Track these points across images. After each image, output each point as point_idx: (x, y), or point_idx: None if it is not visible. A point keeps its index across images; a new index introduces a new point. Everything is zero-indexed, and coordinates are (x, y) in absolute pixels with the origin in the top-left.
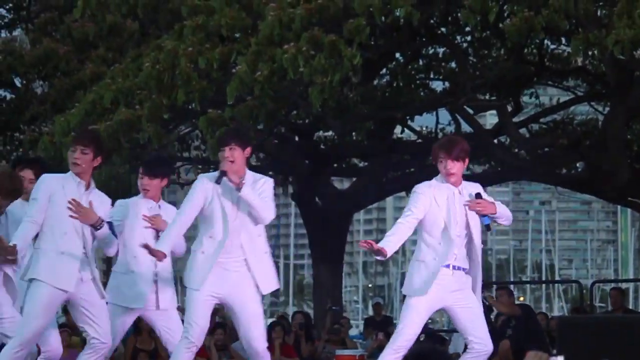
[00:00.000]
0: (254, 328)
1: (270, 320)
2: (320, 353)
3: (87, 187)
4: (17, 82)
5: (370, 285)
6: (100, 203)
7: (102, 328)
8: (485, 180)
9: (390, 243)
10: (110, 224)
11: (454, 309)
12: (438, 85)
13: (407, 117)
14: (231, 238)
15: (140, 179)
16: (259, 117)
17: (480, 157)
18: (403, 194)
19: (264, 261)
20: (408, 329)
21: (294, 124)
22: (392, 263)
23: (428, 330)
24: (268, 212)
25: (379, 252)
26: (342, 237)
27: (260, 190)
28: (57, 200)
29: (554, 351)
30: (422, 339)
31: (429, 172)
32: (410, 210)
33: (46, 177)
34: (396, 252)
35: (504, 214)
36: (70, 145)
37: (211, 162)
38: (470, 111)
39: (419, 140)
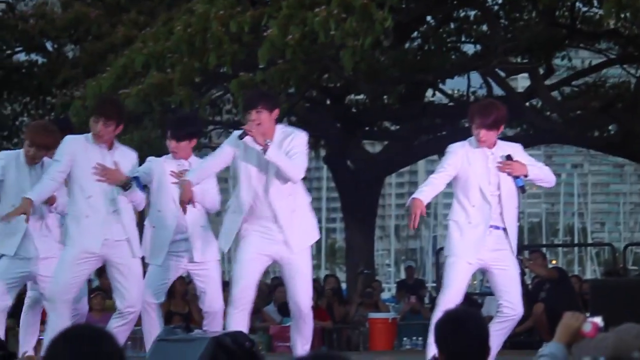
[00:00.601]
0: (297, 285)
1: None
2: (353, 316)
3: (110, 147)
4: (49, 46)
5: (402, 249)
6: (124, 158)
7: (130, 293)
8: (517, 143)
9: (424, 192)
10: (136, 178)
11: (491, 270)
12: (469, 48)
13: (439, 80)
14: (259, 198)
15: (168, 143)
16: (291, 81)
17: (512, 120)
18: (435, 157)
19: (296, 219)
20: (450, 289)
21: (325, 87)
22: (424, 226)
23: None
24: (295, 171)
25: (417, 205)
26: (374, 201)
27: (291, 146)
28: (80, 162)
29: (588, 314)
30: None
31: (461, 135)
32: (442, 167)
33: (68, 139)
34: (428, 215)
35: (540, 176)
36: (93, 114)
37: (242, 125)
38: (502, 74)
39: (451, 104)
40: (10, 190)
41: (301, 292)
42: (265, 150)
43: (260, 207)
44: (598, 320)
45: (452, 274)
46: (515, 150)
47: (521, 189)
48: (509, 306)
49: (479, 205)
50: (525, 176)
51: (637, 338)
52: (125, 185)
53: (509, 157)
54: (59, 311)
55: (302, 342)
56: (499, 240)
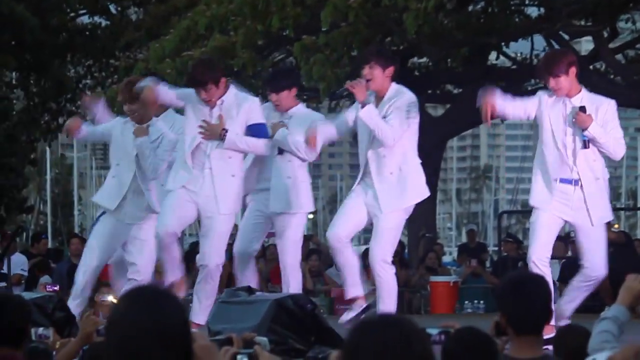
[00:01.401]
0: (374, 242)
1: (363, 248)
2: (415, 280)
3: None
4: (112, 8)
5: (464, 212)
6: (231, 110)
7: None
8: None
9: (504, 103)
10: (261, 125)
11: (575, 226)
12: (533, 11)
13: (502, 43)
14: (364, 155)
15: (269, 97)
16: (354, 44)
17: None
18: (497, 120)
19: (387, 182)
20: (536, 241)
21: (388, 50)
22: (486, 190)
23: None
24: (384, 134)
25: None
26: (436, 164)
27: (392, 109)
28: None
29: None
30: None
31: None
32: (523, 100)
33: (187, 92)
34: (489, 179)
35: (602, 140)
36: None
37: (305, 88)
38: (566, 37)
39: (514, 67)
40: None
41: (374, 249)
42: (363, 105)
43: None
44: None
45: (536, 226)
46: (600, 104)
47: (583, 144)
48: (589, 267)
49: (555, 155)
50: (586, 129)
51: None
52: (221, 137)
53: (582, 109)
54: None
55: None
56: (577, 196)
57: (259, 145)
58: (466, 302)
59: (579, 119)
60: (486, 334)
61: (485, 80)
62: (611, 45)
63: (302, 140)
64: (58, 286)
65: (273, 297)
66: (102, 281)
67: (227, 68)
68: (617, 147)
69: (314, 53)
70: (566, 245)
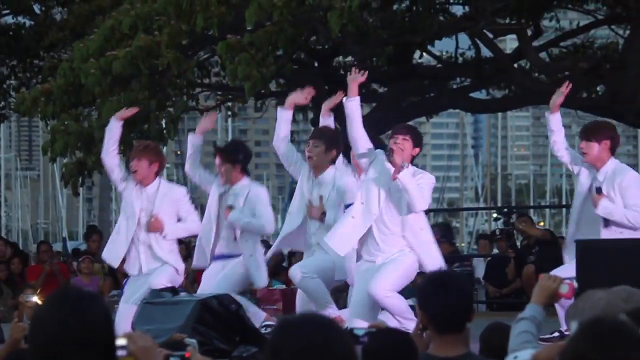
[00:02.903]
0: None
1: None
2: None
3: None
4: (36, 8)
5: None
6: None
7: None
8: (505, 104)
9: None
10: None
11: None
12: (458, 10)
13: (427, 42)
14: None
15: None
16: (278, 43)
17: (500, 81)
18: (423, 119)
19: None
20: None
21: (313, 49)
22: None
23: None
24: (420, 201)
25: None
26: None
27: (419, 181)
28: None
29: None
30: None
31: (449, 97)
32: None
33: None
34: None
35: (612, 218)
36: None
37: (230, 88)
38: (490, 35)
39: (439, 65)
40: None
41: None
42: (399, 171)
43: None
44: (568, 283)
45: None
46: (621, 176)
47: (604, 222)
48: None
49: (577, 218)
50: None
51: (626, 301)
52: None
53: (598, 190)
54: None
55: None
56: None
57: None
58: None
59: (592, 199)
60: (406, 334)
61: (410, 79)
62: (535, 44)
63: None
64: None
65: (197, 297)
66: (27, 282)
67: (152, 68)
68: (633, 218)
69: (238, 52)
70: (491, 244)
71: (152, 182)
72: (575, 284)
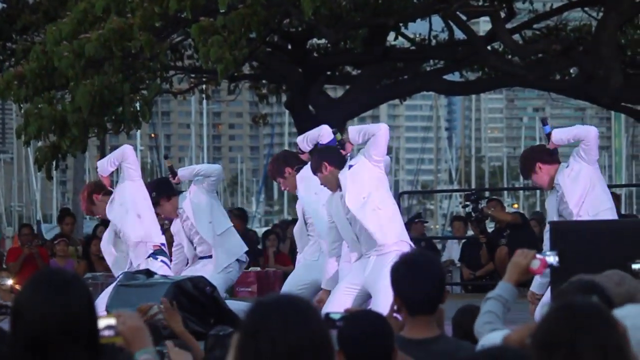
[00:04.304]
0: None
1: (264, 229)
2: None
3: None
4: None
5: None
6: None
7: None
8: (478, 87)
9: None
10: None
11: None
12: None
13: (400, 24)
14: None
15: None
16: (251, 25)
17: (473, 63)
18: (397, 101)
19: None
20: None
21: (286, 32)
22: None
23: (422, 237)
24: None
25: None
26: None
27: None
28: None
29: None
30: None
31: (423, 79)
32: None
33: None
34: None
35: (570, 138)
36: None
37: (203, 71)
38: (464, 17)
39: (412, 48)
40: None
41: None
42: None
43: None
44: (549, 256)
45: None
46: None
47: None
48: None
49: None
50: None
51: (618, 285)
52: None
53: (544, 122)
54: None
55: None
56: None
57: None
58: None
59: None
60: (381, 316)
61: (383, 61)
62: (508, 26)
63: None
64: None
65: (172, 280)
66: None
67: (125, 50)
68: (579, 132)
69: (211, 35)
70: (466, 225)
71: (102, 201)
72: (555, 259)
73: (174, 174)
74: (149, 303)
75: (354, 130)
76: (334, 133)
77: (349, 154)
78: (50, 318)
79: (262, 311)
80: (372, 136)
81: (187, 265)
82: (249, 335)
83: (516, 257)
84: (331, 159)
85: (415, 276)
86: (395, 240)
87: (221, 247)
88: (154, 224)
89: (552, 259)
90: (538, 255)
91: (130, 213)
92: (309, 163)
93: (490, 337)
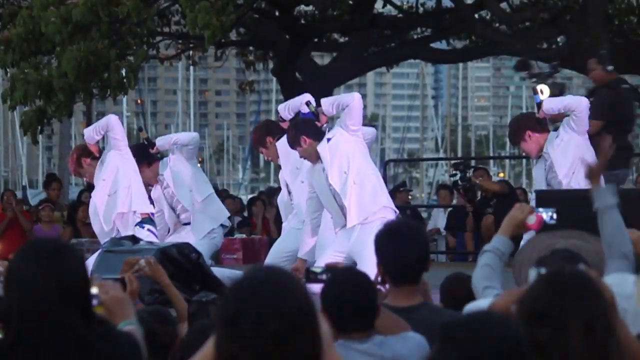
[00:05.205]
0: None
1: (250, 196)
2: None
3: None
4: None
5: None
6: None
7: None
8: (466, 55)
9: None
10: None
11: None
12: None
13: None
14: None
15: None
16: None
17: (460, 32)
18: (383, 69)
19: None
20: None
21: None
22: None
23: (407, 205)
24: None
25: None
26: None
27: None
28: None
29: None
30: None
31: (410, 47)
32: None
33: None
34: (376, 127)
35: (561, 108)
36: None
37: (190, 37)
38: None
39: (400, 15)
40: None
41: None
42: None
43: None
44: (545, 213)
45: None
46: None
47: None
48: None
49: None
50: None
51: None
52: None
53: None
54: None
55: None
56: None
57: None
58: None
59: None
60: (363, 274)
61: (371, 29)
62: None
63: None
64: None
65: (157, 246)
66: None
67: (112, 16)
68: (571, 102)
69: (199, 1)
70: (452, 194)
71: (91, 165)
72: (550, 216)
73: (152, 145)
74: (136, 257)
75: (327, 102)
76: (307, 104)
77: (325, 125)
78: (45, 287)
79: (240, 296)
80: (346, 107)
81: (168, 232)
82: (229, 323)
83: (513, 211)
84: (309, 132)
85: (399, 246)
86: (379, 207)
87: (203, 213)
88: (142, 192)
89: (548, 215)
90: (535, 210)
91: (113, 187)
92: (286, 137)
93: (477, 304)
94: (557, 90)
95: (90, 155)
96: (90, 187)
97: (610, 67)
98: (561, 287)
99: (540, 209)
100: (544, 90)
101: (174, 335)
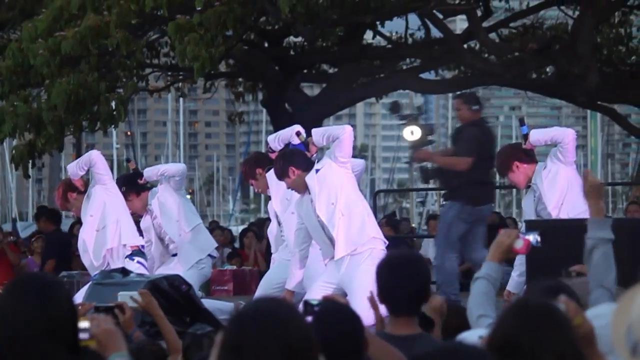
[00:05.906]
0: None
1: (242, 228)
2: None
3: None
4: None
5: None
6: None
7: None
8: (455, 85)
9: None
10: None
11: None
12: None
13: (377, 22)
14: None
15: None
16: (227, 23)
17: (450, 62)
18: (373, 99)
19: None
20: None
21: (263, 29)
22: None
23: (398, 237)
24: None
25: None
26: None
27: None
28: None
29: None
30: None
31: (399, 77)
32: None
33: None
34: (366, 158)
35: (547, 139)
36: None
37: (180, 68)
38: (440, 16)
39: (389, 46)
40: None
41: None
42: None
43: None
44: (531, 236)
45: None
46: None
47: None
48: None
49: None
50: None
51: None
52: None
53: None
54: None
55: None
56: None
57: None
58: None
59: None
60: (349, 309)
61: (360, 59)
62: (485, 24)
63: None
64: None
65: (147, 278)
66: None
67: (101, 48)
68: (556, 134)
69: (188, 32)
70: None
71: (77, 199)
72: (537, 239)
73: (140, 175)
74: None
75: (318, 133)
76: (298, 135)
77: (314, 156)
78: (32, 323)
79: (243, 325)
80: (336, 139)
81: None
82: (232, 350)
83: (500, 237)
84: (297, 163)
85: (398, 277)
86: (367, 238)
87: (191, 244)
88: (131, 225)
89: (534, 238)
90: (522, 236)
91: (102, 222)
92: (273, 169)
93: (470, 333)
94: (428, 130)
95: (76, 190)
96: (80, 220)
97: (475, 107)
98: (525, 317)
99: (526, 233)
100: (414, 130)
101: None
